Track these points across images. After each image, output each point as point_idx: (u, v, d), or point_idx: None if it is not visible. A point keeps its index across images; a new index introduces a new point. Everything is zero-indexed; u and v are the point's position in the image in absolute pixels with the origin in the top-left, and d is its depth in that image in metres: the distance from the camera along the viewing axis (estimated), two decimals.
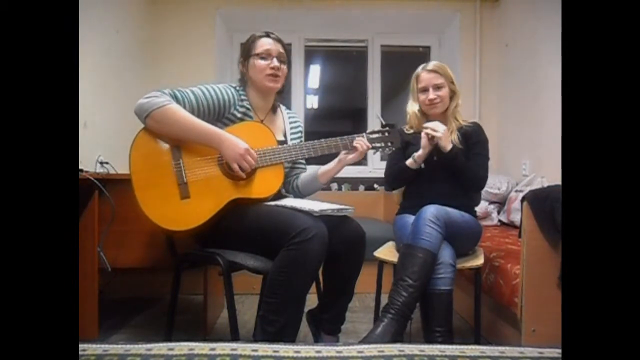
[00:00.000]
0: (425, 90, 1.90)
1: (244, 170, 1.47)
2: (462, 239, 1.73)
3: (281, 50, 1.64)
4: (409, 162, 1.85)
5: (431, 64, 1.92)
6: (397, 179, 1.95)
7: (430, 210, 1.62)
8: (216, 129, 1.48)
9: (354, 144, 1.62)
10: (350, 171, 3.66)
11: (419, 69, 1.94)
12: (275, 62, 1.61)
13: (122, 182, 1.49)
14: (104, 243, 1.75)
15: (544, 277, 1.60)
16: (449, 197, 1.80)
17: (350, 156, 1.63)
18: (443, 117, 1.93)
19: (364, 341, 1.42)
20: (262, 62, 1.61)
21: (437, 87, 1.88)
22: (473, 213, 1.87)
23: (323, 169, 1.71)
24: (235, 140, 1.46)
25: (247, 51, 1.65)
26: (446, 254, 1.59)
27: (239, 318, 1.57)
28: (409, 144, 1.95)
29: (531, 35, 3.07)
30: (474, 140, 1.87)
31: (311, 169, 1.76)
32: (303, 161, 1.81)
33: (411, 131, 1.96)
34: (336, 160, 1.68)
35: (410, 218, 1.78)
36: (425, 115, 1.95)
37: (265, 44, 1.62)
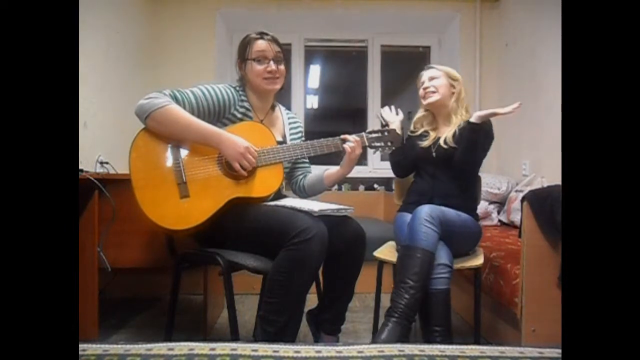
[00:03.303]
0: (422, 84, 1.96)
1: (245, 168, 1.47)
2: (459, 239, 1.73)
3: (277, 50, 1.62)
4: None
5: (433, 65, 2.01)
6: (398, 163, 2.01)
7: (425, 210, 1.62)
8: (216, 128, 1.48)
9: (344, 146, 1.61)
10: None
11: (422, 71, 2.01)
12: (272, 65, 1.60)
13: (122, 182, 1.49)
14: (104, 243, 1.75)
15: (544, 277, 1.60)
16: (449, 196, 1.81)
17: (347, 159, 1.63)
18: (442, 111, 1.95)
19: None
20: (258, 67, 1.60)
21: (432, 78, 1.93)
22: (473, 214, 1.87)
23: (328, 171, 1.71)
24: (235, 139, 1.46)
25: (243, 53, 1.63)
26: (442, 254, 1.59)
27: (239, 318, 1.57)
28: (412, 144, 1.96)
29: (531, 35, 3.07)
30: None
31: (319, 170, 1.76)
32: (307, 160, 1.80)
33: (417, 132, 2.00)
34: (339, 166, 1.67)
35: (409, 217, 1.79)
36: (429, 113, 2.00)
37: (260, 46, 1.60)
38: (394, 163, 2.03)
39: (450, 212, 1.70)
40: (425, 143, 1.91)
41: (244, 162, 1.46)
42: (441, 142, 1.86)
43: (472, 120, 1.76)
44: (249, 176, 1.51)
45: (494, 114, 1.73)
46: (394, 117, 1.96)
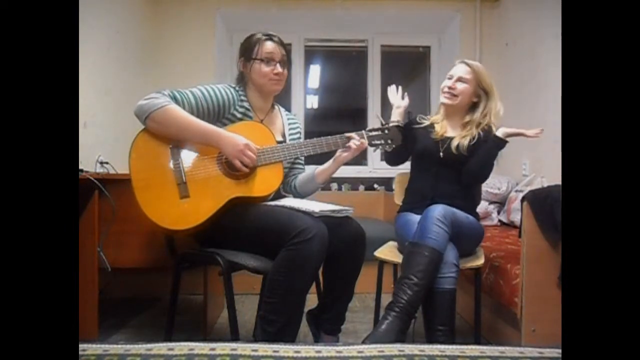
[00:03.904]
0: (450, 78, 1.88)
1: (246, 165, 1.46)
2: (466, 240, 1.73)
3: (283, 53, 1.64)
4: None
5: (472, 61, 1.89)
6: (393, 153, 1.91)
7: (438, 210, 1.61)
8: (215, 127, 1.48)
9: (349, 144, 1.60)
10: (350, 171, 3.66)
11: (459, 60, 1.91)
12: (279, 68, 1.61)
13: (122, 182, 1.49)
14: (104, 243, 1.75)
15: (544, 277, 1.60)
16: (452, 197, 1.79)
17: (345, 154, 1.62)
18: (454, 117, 1.90)
19: (368, 338, 1.42)
20: (265, 68, 1.60)
21: (460, 80, 1.85)
22: (476, 215, 1.87)
23: (320, 168, 1.70)
24: (234, 137, 1.46)
25: (248, 52, 1.63)
26: (450, 254, 1.58)
27: (239, 318, 1.57)
28: (415, 137, 1.92)
29: (531, 34, 3.07)
30: (483, 140, 1.83)
31: (309, 169, 1.76)
32: (302, 161, 1.80)
33: (425, 123, 1.94)
34: (332, 159, 1.67)
35: (412, 216, 1.78)
36: (443, 109, 1.93)
37: (269, 48, 1.61)
38: (390, 153, 1.91)
39: (460, 214, 1.69)
40: (432, 139, 1.86)
41: (244, 159, 1.45)
42: (453, 147, 1.81)
43: (500, 135, 1.73)
44: (249, 175, 1.51)
45: (520, 134, 1.72)
46: (400, 101, 1.92)
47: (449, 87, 1.86)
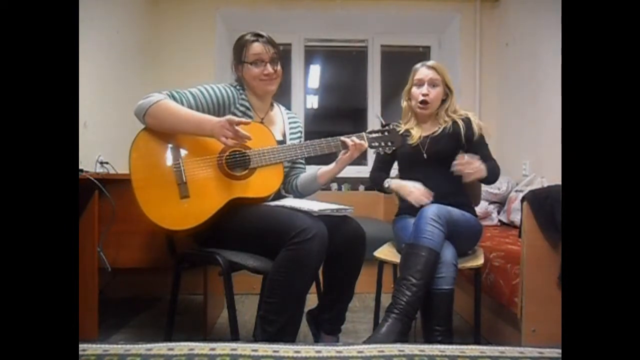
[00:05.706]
0: (420, 84, 1.89)
1: (227, 137, 1.40)
2: (463, 238, 1.73)
3: (273, 51, 1.61)
4: (386, 186, 1.90)
5: (431, 62, 1.94)
6: (377, 185, 1.99)
7: (432, 209, 1.61)
8: (209, 116, 1.46)
9: (346, 141, 1.59)
10: (350, 171, 3.62)
11: (419, 64, 1.94)
12: (269, 68, 1.60)
13: (122, 182, 1.50)
14: (104, 243, 1.74)
15: (544, 277, 1.60)
16: (446, 195, 1.79)
17: (346, 155, 1.62)
18: (431, 118, 1.94)
19: (369, 341, 1.42)
20: (255, 70, 1.60)
21: (433, 84, 1.88)
22: (472, 211, 1.87)
23: (323, 169, 1.70)
24: (220, 119, 1.41)
25: (238, 56, 1.63)
26: (448, 253, 1.58)
27: (239, 318, 1.57)
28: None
29: (531, 35, 3.08)
30: (469, 138, 1.86)
31: (311, 169, 1.76)
32: (302, 161, 1.80)
33: (402, 130, 1.95)
34: (335, 162, 1.67)
35: (409, 218, 1.78)
36: (414, 114, 1.96)
37: (256, 49, 1.59)
38: (378, 174, 1.98)
39: (455, 212, 1.70)
40: (412, 143, 1.88)
41: (226, 133, 1.40)
42: (433, 144, 1.85)
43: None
44: (249, 176, 1.51)
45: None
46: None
47: (424, 94, 1.88)
